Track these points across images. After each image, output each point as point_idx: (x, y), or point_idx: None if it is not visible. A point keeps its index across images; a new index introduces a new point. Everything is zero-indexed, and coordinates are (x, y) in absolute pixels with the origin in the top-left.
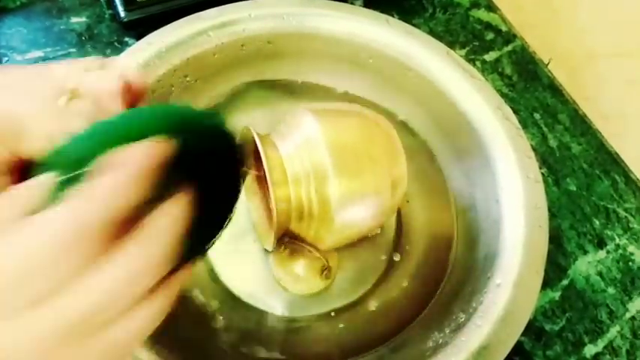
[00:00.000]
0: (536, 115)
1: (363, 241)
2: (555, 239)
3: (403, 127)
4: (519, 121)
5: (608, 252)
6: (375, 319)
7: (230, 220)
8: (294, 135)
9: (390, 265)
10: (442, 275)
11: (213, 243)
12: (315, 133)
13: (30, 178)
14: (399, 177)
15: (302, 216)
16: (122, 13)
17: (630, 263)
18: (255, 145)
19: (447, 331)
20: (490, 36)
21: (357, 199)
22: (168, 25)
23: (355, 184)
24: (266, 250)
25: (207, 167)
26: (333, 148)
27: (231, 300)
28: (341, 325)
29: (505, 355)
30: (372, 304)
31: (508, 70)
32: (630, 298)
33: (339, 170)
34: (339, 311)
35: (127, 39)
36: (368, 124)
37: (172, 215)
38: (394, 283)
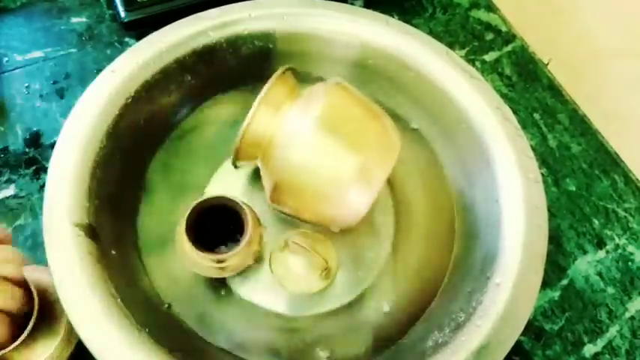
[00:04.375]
0: (536, 115)
1: (363, 241)
2: (555, 239)
3: (403, 127)
4: (519, 122)
5: (607, 252)
6: (375, 318)
7: None
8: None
9: (390, 266)
10: (442, 275)
11: None
12: (321, 92)
13: None
14: (371, 168)
15: (263, 145)
16: (122, 14)
17: (630, 263)
18: None
19: (447, 331)
20: (490, 36)
21: (320, 153)
22: (169, 25)
23: (325, 141)
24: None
25: None
26: (328, 108)
27: (231, 299)
28: (341, 325)
29: (505, 354)
30: (372, 304)
31: (508, 71)
32: (630, 298)
33: (322, 124)
34: (339, 311)
35: (127, 39)
36: (377, 114)
37: None
38: (394, 283)
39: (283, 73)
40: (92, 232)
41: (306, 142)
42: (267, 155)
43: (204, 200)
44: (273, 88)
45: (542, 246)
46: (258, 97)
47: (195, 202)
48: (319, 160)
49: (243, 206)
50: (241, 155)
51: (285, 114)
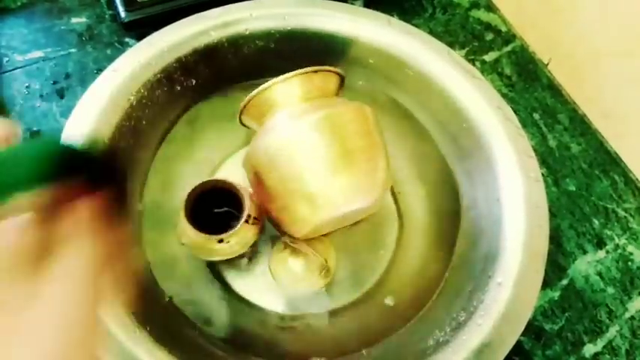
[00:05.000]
0: (536, 115)
1: (364, 240)
2: (555, 239)
3: (406, 126)
4: (519, 121)
5: (607, 252)
6: (376, 317)
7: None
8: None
9: (391, 264)
10: (443, 274)
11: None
12: (336, 104)
13: None
14: (332, 199)
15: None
16: (123, 14)
17: (629, 263)
18: None
19: (448, 330)
20: (490, 36)
21: (291, 155)
22: (170, 25)
23: (302, 147)
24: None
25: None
26: (328, 120)
27: (231, 298)
28: (341, 324)
29: (506, 353)
30: (373, 304)
31: (508, 71)
32: (629, 298)
33: (310, 130)
34: (339, 310)
35: (127, 39)
36: (376, 154)
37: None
38: (395, 282)
39: (329, 71)
40: None
41: (283, 138)
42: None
43: (203, 183)
44: (314, 77)
45: (543, 245)
46: (296, 71)
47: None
48: (286, 162)
49: (240, 188)
50: (246, 112)
51: (296, 105)
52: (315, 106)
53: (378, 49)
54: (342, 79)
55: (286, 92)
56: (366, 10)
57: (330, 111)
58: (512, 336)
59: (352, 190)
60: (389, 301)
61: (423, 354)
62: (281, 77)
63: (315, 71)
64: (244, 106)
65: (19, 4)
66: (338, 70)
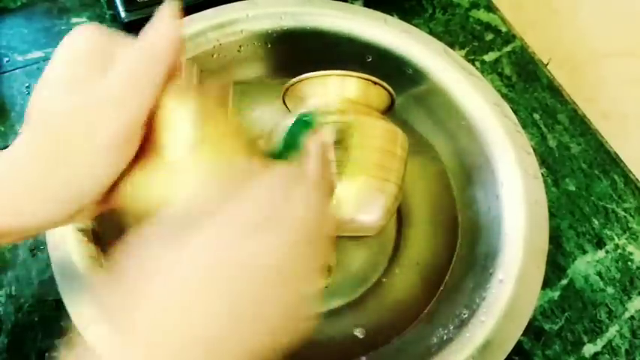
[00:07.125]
0: (536, 116)
1: (364, 239)
2: (554, 239)
3: (404, 125)
4: (518, 121)
5: (607, 252)
6: (378, 317)
7: None
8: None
9: (391, 263)
10: (444, 272)
11: None
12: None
13: None
14: None
15: None
16: (123, 14)
17: (629, 263)
18: None
19: (451, 328)
20: (490, 36)
21: None
22: None
23: None
24: None
25: None
26: (360, 125)
27: None
28: (342, 324)
29: (509, 349)
30: (374, 303)
31: (507, 71)
32: (629, 298)
33: None
34: (340, 309)
35: None
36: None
37: None
38: (395, 280)
39: (386, 89)
40: (95, 236)
41: None
42: None
43: None
44: (369, 87)
45: (543, 241)
46: (357, 73)
47: None
48: None
49: None
50: (289, 93)
51: (336, 104)
52: (351, 109)
53: (375, 48)
54: (392, 103)
55: (334, 88)
56: (363, 8)
57: (360, 118)
58: (515, 332)
59: (351, 200)
60: (390, 300)
61: (427, 352)
62: (338, 72)
63: (374, 82)
64: (290, 86)
65: (19, 4)
66: (392, 91)
